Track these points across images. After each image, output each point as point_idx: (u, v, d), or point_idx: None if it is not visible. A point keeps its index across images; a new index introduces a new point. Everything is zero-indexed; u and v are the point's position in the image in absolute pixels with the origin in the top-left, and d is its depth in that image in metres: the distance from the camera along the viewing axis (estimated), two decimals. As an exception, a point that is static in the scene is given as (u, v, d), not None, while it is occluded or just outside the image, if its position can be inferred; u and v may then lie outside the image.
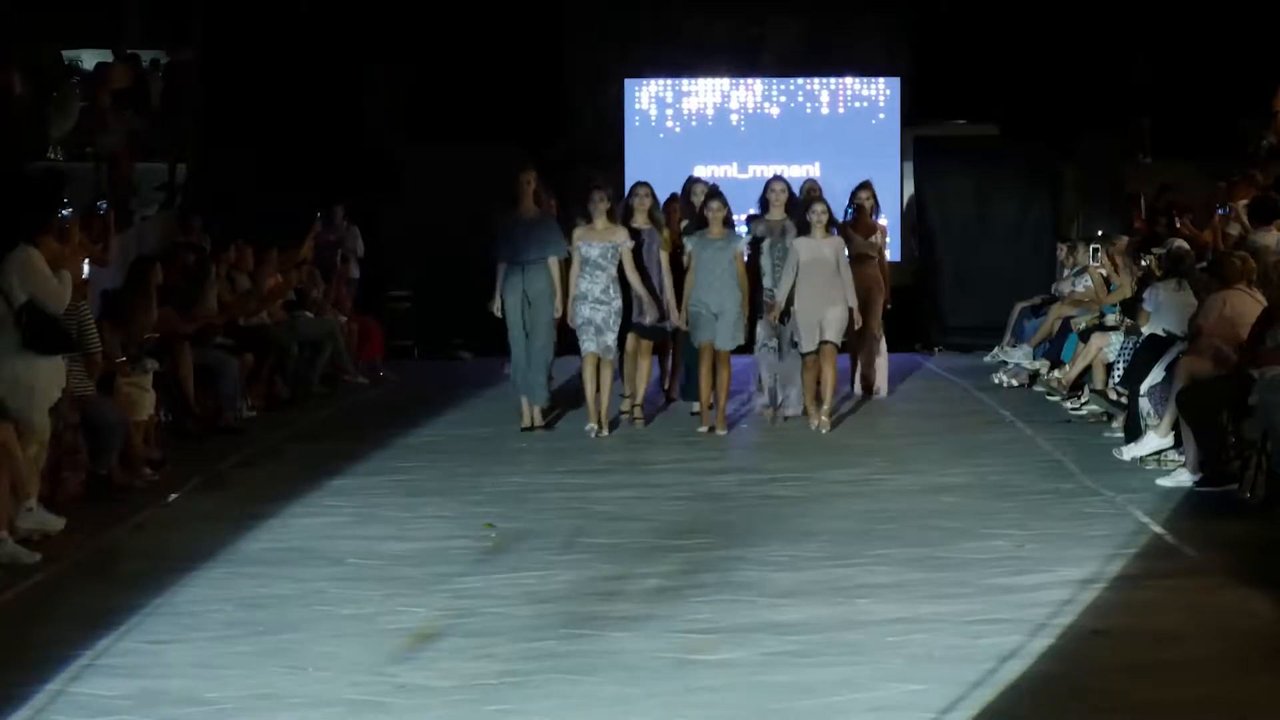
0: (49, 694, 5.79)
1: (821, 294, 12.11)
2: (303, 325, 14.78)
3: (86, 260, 10.63)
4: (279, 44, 19.40)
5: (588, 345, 11.99)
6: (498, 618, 6.81)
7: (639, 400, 12.52)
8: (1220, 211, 14.00)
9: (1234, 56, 18.65)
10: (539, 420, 12.33)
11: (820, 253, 12.16)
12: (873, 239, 13.82)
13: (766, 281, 12.41)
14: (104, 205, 12.75)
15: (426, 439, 12.12)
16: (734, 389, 12.67)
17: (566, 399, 13.10)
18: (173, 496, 9.83)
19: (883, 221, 14.38)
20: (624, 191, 12.90)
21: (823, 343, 12.10)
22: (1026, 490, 9.75)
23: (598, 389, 12.01)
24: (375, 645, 6.41)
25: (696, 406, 12.49)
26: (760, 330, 12.35)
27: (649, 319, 12.26)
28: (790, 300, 12.19)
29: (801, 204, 12.64)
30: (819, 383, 12.20)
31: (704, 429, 12.10)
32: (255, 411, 13.29)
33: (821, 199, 12.58)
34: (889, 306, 14.15)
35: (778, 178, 12.83)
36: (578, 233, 11.99)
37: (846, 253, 12.50)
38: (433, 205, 18.48)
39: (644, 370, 12.55)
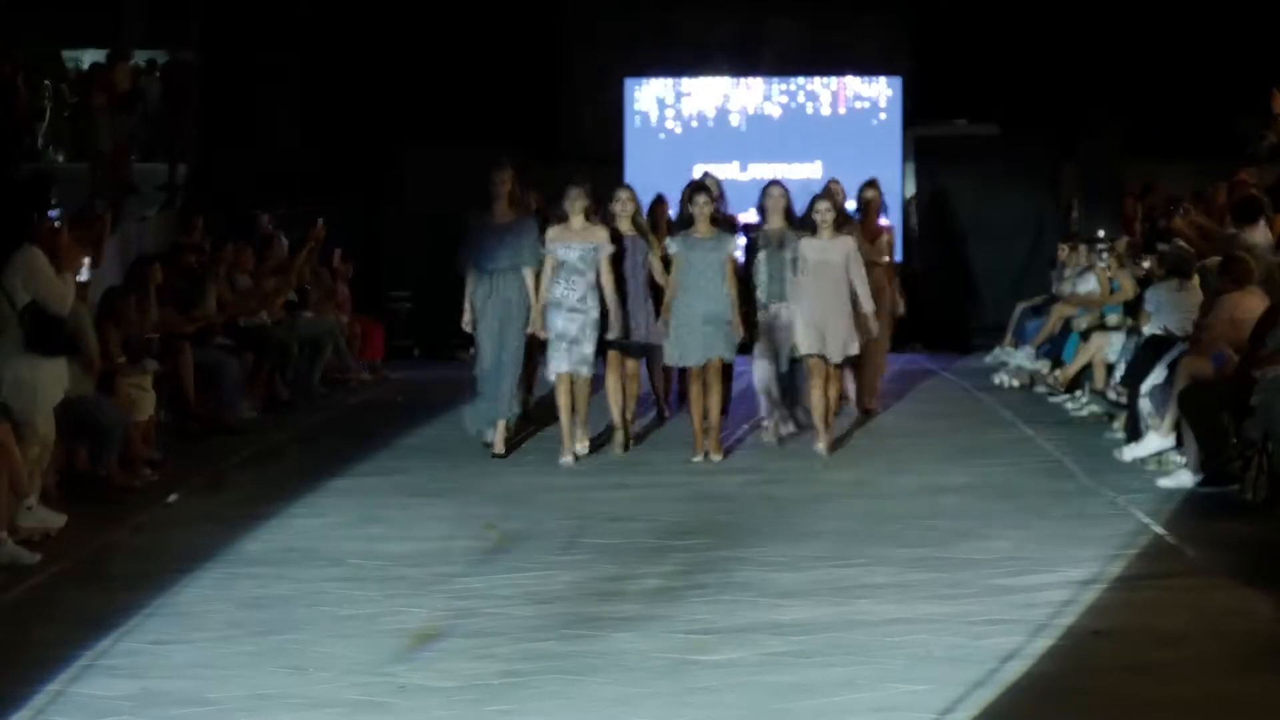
0: (49, 694, 5.79)
1: (827, 303, 11.00)
2: (303, 325, 14.78)
3: (87, 261, 10.63)
4: (279, 44, 19.42)
5: (559, 364, 10.84)
6: (498, 618, 6.81)
7: (618, 424, 11.29)
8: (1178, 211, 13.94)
9: (1232, 55, 18.68)
10: (500, 449, 11.14)
11: (826, 255, 11.04)
12: (879, 242, 12.82)
13: (761, 295, 11.20)
14: (101, 205, 12.75)
15: (426, 439, 12.10)
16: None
17: (546, 410, 12.27)
18: (173, 497, 9.83)
19: (885, 222, 13.76)
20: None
21: (824, 360, 11.03)
22: (1027, 491, 9.74)
23: (572, 412, 10.90)
24: (376, 646, 6.41)
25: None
26: (757, 347, 11.29)
27: (628, 335, 11.06)
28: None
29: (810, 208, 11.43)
30: (824, 398, 11.08)
31: (697, 458, 10.87)
32: (255, 412, 13.28)
33: (827, 196, 11.43)
34: (902, 314, 13.36)
35: (775, 182, 11.59)
36: (552, 233, 10.87)
37: (858, 254, 11.28)
38: (433, 205, 18.48)
39: (628, 393, 11.36)
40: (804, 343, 11.08)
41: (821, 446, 11.06)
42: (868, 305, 11.23)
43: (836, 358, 11.15)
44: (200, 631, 6.67)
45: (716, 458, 10.90)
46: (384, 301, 18.69)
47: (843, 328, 11.08)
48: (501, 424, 11.21)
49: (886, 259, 13.07)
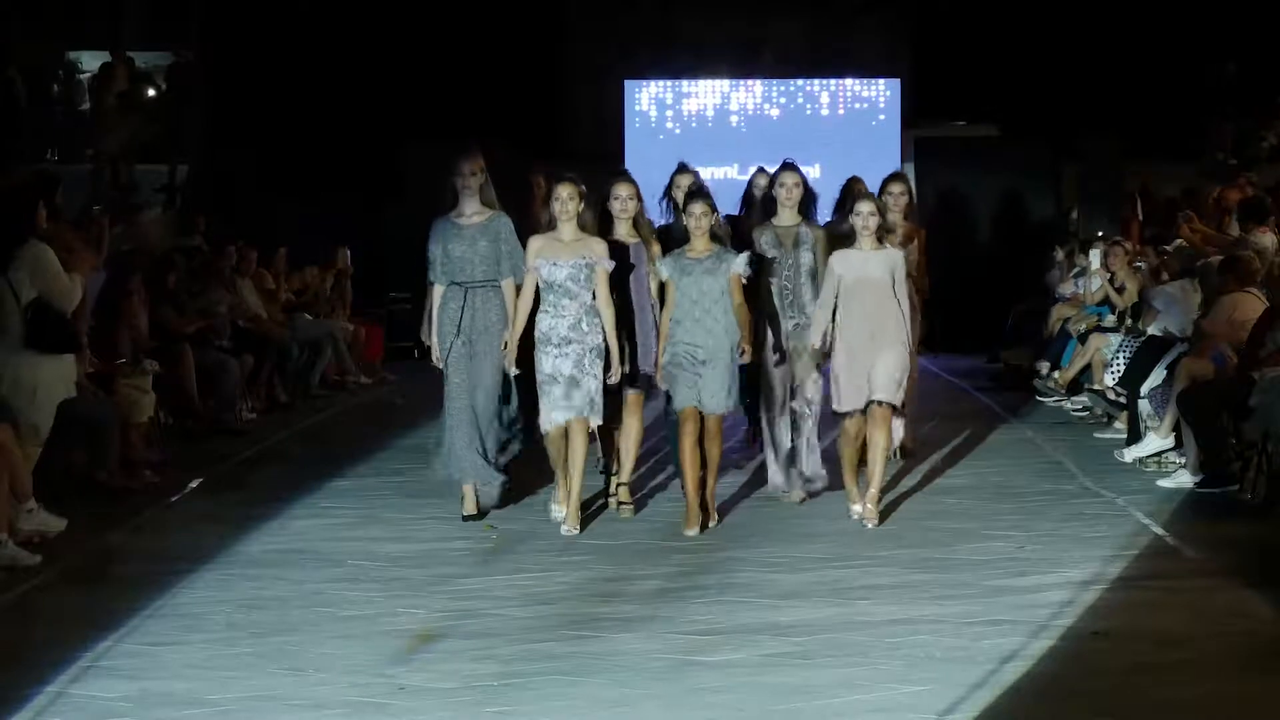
0: (49, 695, 5.79)
1: (872, 331, 8.67)
2: (302, 327, 14.80)
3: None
4: (279, 44, 19.45)
5: (554, 413, 8.61)
6: (498, 619, 6.82)
7: (625, 479, 9.18)
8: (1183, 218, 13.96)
9: (1232, 55, 18.71)
10: (470, 509, 9.02)
11: (867, 271, 8.74)
12: (908, 250, 10.34)
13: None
14: (99, 210, 12.76)
15: (426, 440, 12.03)
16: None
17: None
18: (173, 498, 9.83)
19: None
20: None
21: (872, 402, 8.71)
22: (1027, 491, 9.75)
23: (566, 463, 8.70)
24: (375, 647, 6.41)
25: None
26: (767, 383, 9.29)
27: (634, 380, 9.01)
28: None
29: (847, 204, 9.25)
30: (864, 453, 8.85)
31: (691, 531, 8.53)
32: (255, 413, 13.30)
33: (871, 197, 9.21)
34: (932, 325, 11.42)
35: (790, 166, 9.51)
36: (535, 246, 8.67)
37: (904, 271, 8.99)
38: (433, 206, 18.44)
39: (632, 435, 9.12)
40: (846, 398, 8.75)
41: (869, 509, 8.76)
42: (910, 339, 8.98)
43: (895, 396, 8.75)
44: (200, 633, 6.67)
45: (713, 524, 8.77)
46: (384, 302, 18.69)
47: (895, 360, 8.71)
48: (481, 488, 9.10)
49: (924, 267, 11.19)
